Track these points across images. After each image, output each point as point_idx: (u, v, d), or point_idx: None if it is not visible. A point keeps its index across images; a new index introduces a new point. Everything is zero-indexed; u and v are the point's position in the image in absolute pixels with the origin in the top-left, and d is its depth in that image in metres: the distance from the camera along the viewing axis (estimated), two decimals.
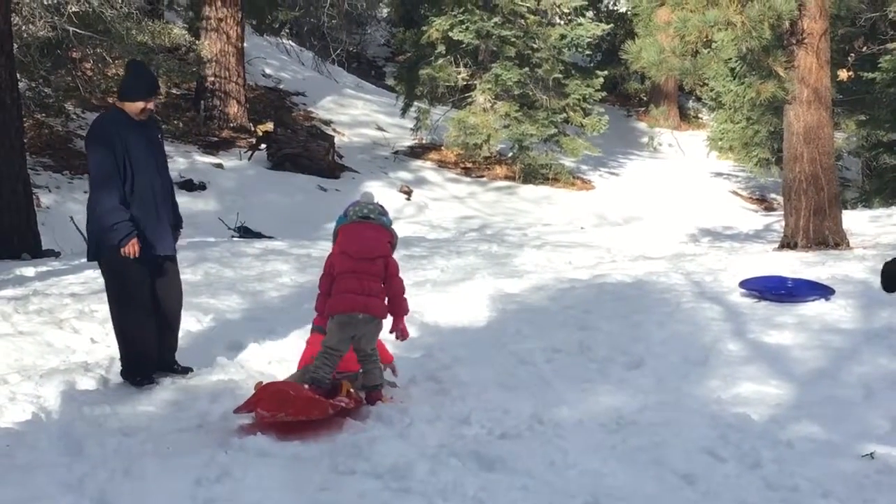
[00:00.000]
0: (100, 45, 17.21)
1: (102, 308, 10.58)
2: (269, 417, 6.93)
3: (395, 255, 8.00)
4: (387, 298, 7.81)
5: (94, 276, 12.50)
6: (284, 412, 6.97)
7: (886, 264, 6.33)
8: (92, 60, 19.04)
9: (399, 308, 7.88)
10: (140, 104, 8.16)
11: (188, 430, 7.07)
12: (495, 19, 25.52)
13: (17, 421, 7.00)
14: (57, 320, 9.97)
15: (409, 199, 23.69)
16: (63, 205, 18.40)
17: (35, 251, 15.01)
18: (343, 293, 7.65)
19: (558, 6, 26.71)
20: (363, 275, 7.67)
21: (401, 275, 7.91)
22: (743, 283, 11.66)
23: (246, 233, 18.35)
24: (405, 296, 7.91)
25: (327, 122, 29.03)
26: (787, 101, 15.63)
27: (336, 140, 25.96)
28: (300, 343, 8.73)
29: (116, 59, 18.69)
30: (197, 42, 24.27)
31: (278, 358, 8.93)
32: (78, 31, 16.06)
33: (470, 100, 26.60)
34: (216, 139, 24.95)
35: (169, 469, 6.10)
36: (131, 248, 7.86)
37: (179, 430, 7.06)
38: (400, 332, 7.94)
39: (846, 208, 20.58)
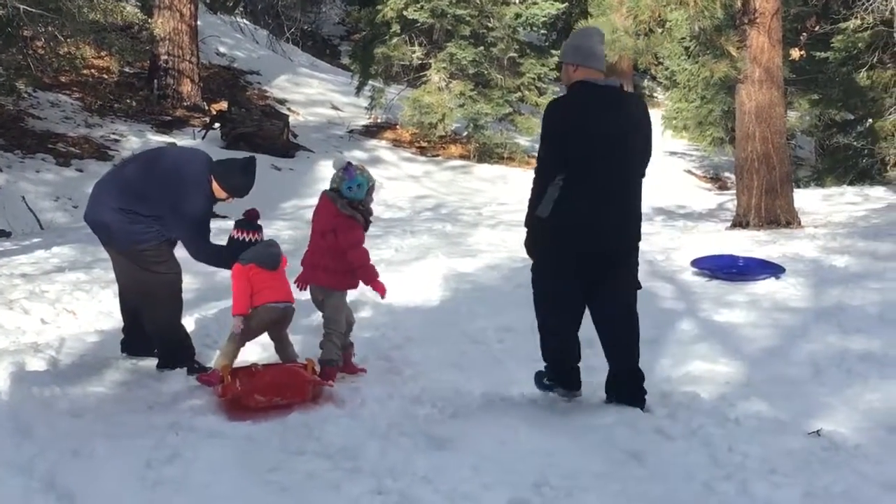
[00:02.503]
0: (51, 23, 17.01)
1: (53, 288, 10.57)
2: (265, 403, 7.02)
3: None
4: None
5: (45, 257, 12.46)
6: (281, 397, 7.08)
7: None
8: (43, 39, 18.81)
9: (364, 278, 7.98)
10: (224, 196, 8.14)
11: (138, 412, 7.05)
12: None
13: None
14: (7, 301, 9.91)
15: None
16: (14, 184, 18.23)
17: None
18: (302, 263, 8.12)
19: None
20: (315, 249, 7.99)
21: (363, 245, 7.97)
22: (694, 262, 11.74)
23: None
24: (369, 263, 7.97)
25: (282, 101, 28.92)
26: (740, 81, 15.73)
27: (291, 119, 25.84)
28: None
29: (68, 37, 18.48)
30: (150, 20, 24.09)
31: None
32: (29, 9, 15.86)
33: (425, 79, 26.56)
34: (170, 118, 24.78)
35: (119, 450, 6.08)
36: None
37: (129, 412, 7.05)
38: (377, 292, 8.02)
39: (798, 187, 20.74)
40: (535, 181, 6.94)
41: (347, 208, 7.87)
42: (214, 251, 8.06)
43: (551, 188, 6.81)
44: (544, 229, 6.92)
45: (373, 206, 8.10)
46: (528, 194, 7.04)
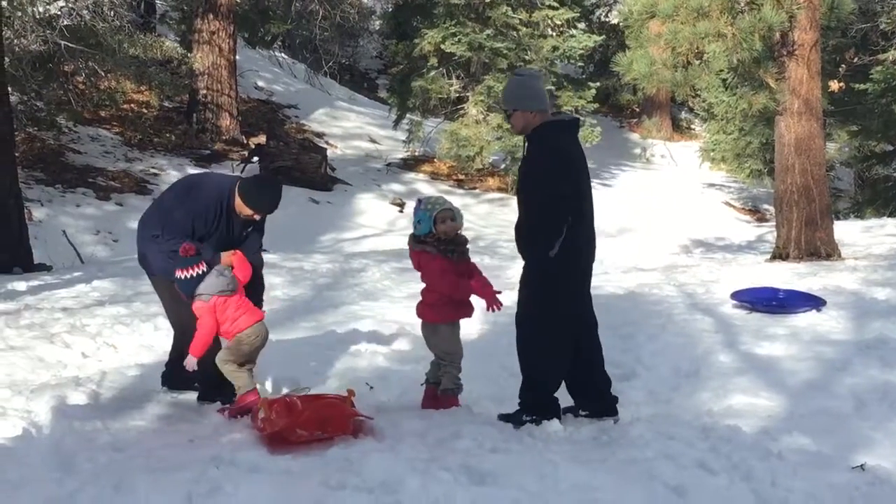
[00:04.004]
0: (91, 58, 17.20)
1: (94, 322, 10.62)
2: (307, 437, 7.00)
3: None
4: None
5: (86, 291, 12.52)
6: (322, 431, 7.06)
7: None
8: (84, 74, 19.04)
9: (465, 296, 8.20)
10: (249, 212, 8.06)
11: (179, 445, 7.04)
12: (488, 31, 25.53)
13: (8, 436, 6.97)
14: (48, 335, 9.96)
15: (401, 212, 23.70)
16: (55, 218, 18.38)
17: (27, 265, 15.01)
18: None
19: (550, 18, 26.71)
20: (423, 287, 8.27)
21: (442, 277, 8.06)
22: (735, 295, 11.68)
23: None
24: (458, 284, 8.09)
25: (320, 135, 29.05)
26: (779, 113, 15.67)
27: (328, 152, 25.98)
28: (292, 357, 8.73)
29: (108, 72, 18.71)
30: (189, 55, 24.30)
31: (271, 373, 8.88)
32: (70, 44, 16.06)
33: (462, 112, 26.61)
34: (208, 152, 24.96)
35: (160, 484, 6.07)
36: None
37: (170, 445, 7.03)
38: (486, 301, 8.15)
39: (838, 219, 20.64)
40: (549, 218, 7.41)
41: (417, 245, 8.03)
42: (167, 248, 7.92)
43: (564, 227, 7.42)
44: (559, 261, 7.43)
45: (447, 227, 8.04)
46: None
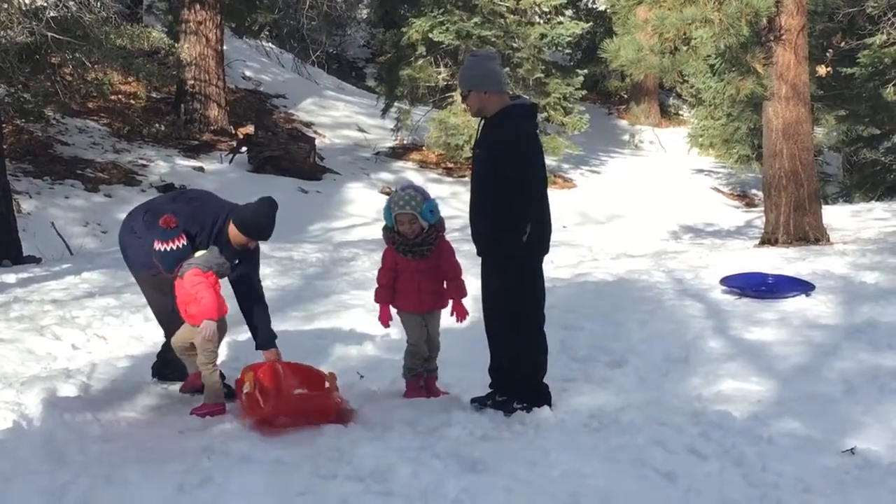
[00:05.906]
0: (79, 49, 17.13)
1: (83, 314, 10.61)
2: (291, 423, 7.10)
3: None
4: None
5: (75, 283, 12.50)
6: (306, 418, 7.14)
7: None
8: (71, 65, 18.93)
9: None
10: (244, 240, 7.95)
11: (170, 436, 7.04)
12: (475, 19, 25.47)
13: None
14: (38, 327, 9.94)
15: None
16: (44, 210, 18.34)
17: (16, 257, 14.96)
18: None
19: (538, 5, 26.69)
20: None
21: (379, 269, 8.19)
22: (724, 281, 11.70)
23: None
24: (376, 289, 8.21)
25: (308, 125, 28.99)
26: (766, 98, 15.69)
27: (317, 142, 25.93)
28: (282, 347, 8.71)
29: (95, 63, 18.62)
30: (176, 45, 24.20)
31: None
32: (56, 36, 15.98)
33: (451, 100, 26.54)
34: (197, 142, 24.90)
35: (151, 475, 6.07)
36: None
37: (161, 436, 7.03)
38: None
39: (827, 203, 20.65)
40: (520, 203, 7.25)
41: (384, 232, 8.06)
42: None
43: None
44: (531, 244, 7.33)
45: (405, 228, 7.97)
46: (553, 214, 7.35)
